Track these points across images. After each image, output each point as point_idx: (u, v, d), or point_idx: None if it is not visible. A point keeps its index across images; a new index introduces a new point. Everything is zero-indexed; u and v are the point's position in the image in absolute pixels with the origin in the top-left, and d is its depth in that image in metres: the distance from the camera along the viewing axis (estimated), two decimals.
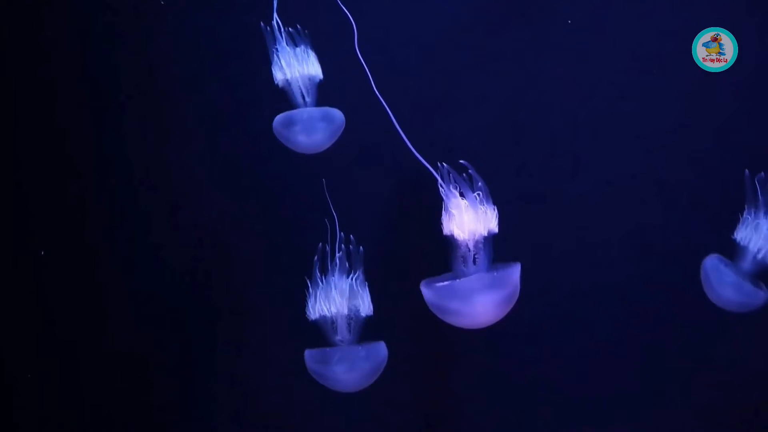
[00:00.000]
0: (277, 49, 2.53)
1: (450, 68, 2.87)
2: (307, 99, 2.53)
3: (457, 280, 2.33)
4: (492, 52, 2.88)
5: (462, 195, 2.35)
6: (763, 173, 2.42)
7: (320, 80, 2.55)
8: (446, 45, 2.88)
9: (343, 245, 2.45)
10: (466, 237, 2.34)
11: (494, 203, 2.37)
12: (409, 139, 2.39)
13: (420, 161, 2.37)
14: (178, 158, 2.94)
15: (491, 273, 2.34)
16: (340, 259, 2.43)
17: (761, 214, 2.43)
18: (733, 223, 2.54)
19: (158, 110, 2.93)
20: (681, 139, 2.84)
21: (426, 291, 2.37)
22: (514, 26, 2.88)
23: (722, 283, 2.45)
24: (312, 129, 2.52)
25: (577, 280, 2.89)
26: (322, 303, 2.40)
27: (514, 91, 2.88)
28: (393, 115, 2.42)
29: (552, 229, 2.87)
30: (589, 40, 2.85)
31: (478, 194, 2.35)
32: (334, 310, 2.40)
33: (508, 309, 2.38)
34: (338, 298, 2.39)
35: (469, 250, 2.35)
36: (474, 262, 2.36)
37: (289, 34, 2.54)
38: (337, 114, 2.56)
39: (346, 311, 2.41)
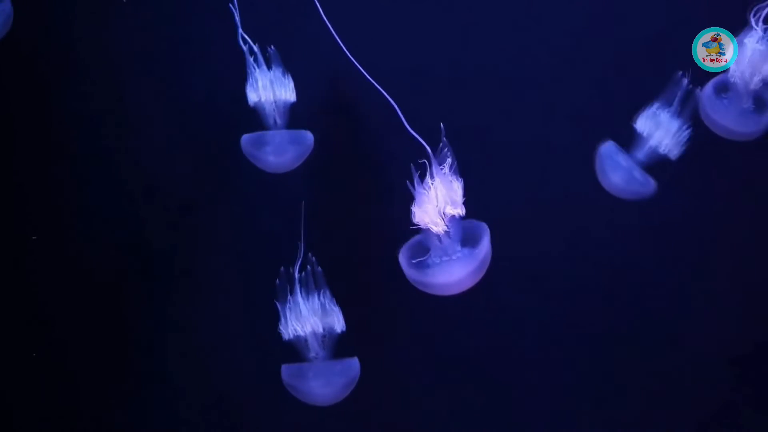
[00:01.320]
0: (253, 71, 2.55)
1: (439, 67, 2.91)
2: (279, 121, 2.56)
3: (436, 261, 2.43)
4: (486, 56, 2.89)
5: (435, 178, 2.41)
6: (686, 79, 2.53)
7: (293, 103, 2.58)
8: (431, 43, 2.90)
9: (309, 266, 2.49)
10: (439, 227, 2.39)
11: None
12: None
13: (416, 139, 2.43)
14: (148, 172, 2.99)
15: (466, 248, 2.43)
16: (304, 279, 2.47)
17: (667, 110, 2.55)
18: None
19: (130, 119, 2.97)
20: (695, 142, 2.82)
21: (406, 267, 2.46)
22: (510, 27, 2.87)
23: (615, 168, 2.56)
24: (282, 151, 2.55)
25: (570, 276, 2.94)
26: (295, 323, 2.45)
27: (510, 92, 2.90)
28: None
29: (542, 221, 2.92)
30: (588, 40, 2.85)
31: (449, 169, 2.42)
32: (308, 329, 2.45)
33: (482, 274, 2.46)
34: (311, 318, 2.44)
35: (443, 231, 2.42)
36: (448, 236, 2.43)
37: (266, 56, 2.56)
38: (307, 136, 2.60)
39: (320, 330, 2.46)
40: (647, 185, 2.59)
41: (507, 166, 2.90)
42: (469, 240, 2.45)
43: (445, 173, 2.42)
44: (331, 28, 2.61)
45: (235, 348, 2.97)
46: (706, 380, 2.92)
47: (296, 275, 2.52)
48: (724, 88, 2.59)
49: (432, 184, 2.41)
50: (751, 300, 2.91)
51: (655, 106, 2.58)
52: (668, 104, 2.58)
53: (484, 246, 2.43)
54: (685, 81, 2.56)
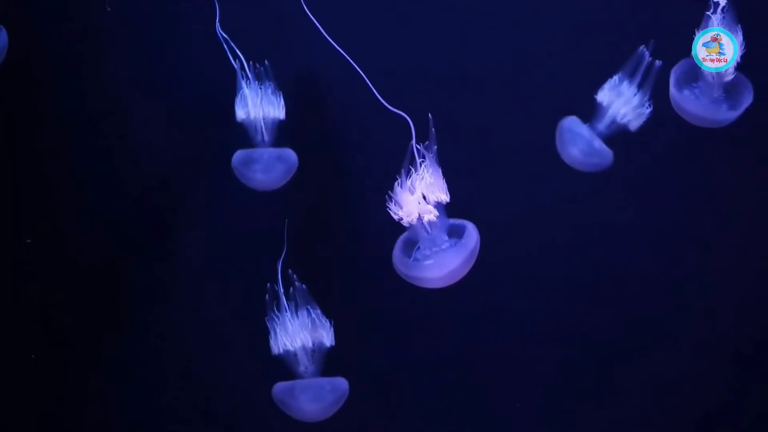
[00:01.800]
0: (244, 87, 2.54)
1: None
2: (266, 138, 2.55)
3: (427, 253, 2.44)
4: (486, 55, 2.87)
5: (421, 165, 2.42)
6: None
7: (282, 120, 2.57)
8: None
9: (295, 283, 2.49)
10: (430, 215, 2.40)
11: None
12: None
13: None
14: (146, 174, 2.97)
15: (454, 239, 2.45)
16: (293, 295, 2.48)
17: (630, 82, 2.55)
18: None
19: (127, 122, 2.95)
20: (681, 140, 2.79)
21: (399, 264, 2.47)
22: (510, 28, 2.86)
23: (575, 140, 2.57)
24: (270, 168, 2.55)
25: (569, 276, 2.93)
26: (284, 338, 2.46)
27: (510, 92, 2.88)
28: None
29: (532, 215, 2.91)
30: (588, 40, 2.83)
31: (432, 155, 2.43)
32: (298, 343, 2.46)
33: (472, 264, 2.47)
34: (300, 332, 2.45)
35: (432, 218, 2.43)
36: (436, 225, 2.45)
37: (257, 73, 2.55)
38: (292, 154, 2.59)
39: (309, 344, 2.47)
40: (606, 156, 2.58)
41: (506, 166, 2.88)
42: (454, 232, 2.47)
43: (431, 159, 2.41)
44: (320, 27, 2.59)
45: (234, 348, 2.98)
46: (705, 380, 2.91)
47: (281, 291, 2.52)
48: (695, 77, 2.59)
49: (417, 171, 2.41)
50: (751, 300, 2.89)
51: (617, 77, 2.58)
52: (630, 76, 2.58)
53: (471, 232, 2.44)
54: (646, 53, 2.56)
